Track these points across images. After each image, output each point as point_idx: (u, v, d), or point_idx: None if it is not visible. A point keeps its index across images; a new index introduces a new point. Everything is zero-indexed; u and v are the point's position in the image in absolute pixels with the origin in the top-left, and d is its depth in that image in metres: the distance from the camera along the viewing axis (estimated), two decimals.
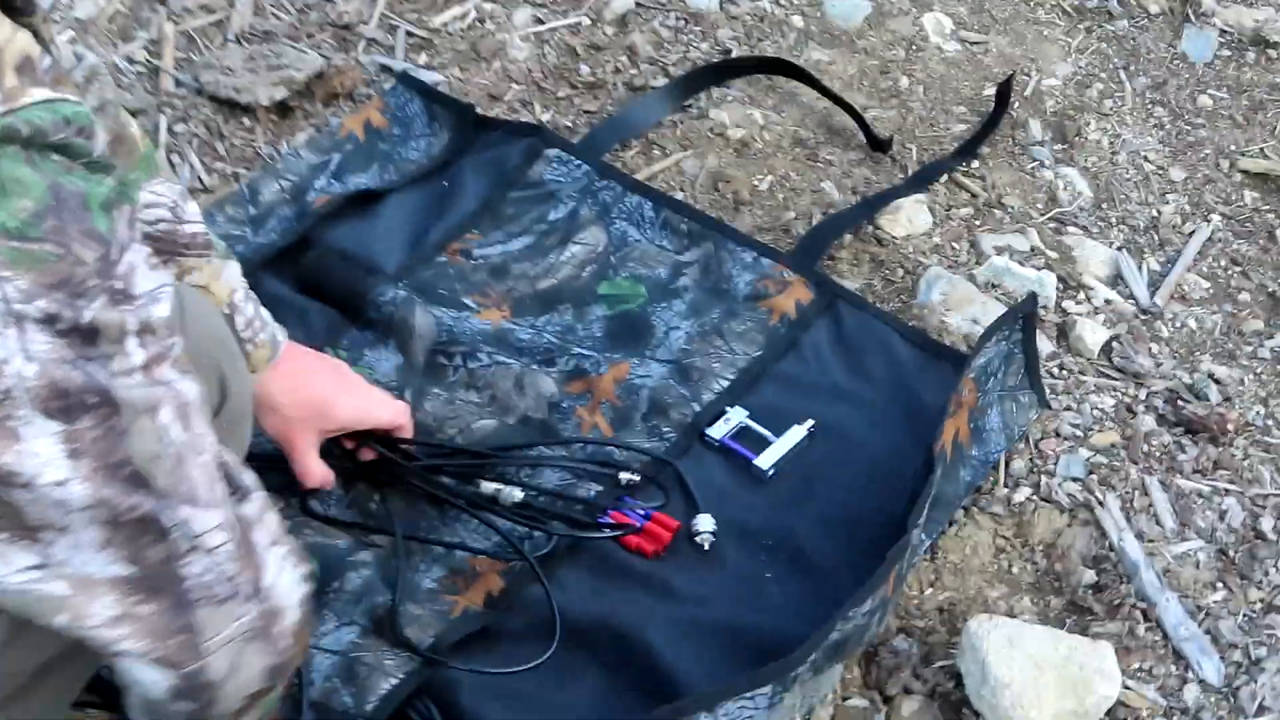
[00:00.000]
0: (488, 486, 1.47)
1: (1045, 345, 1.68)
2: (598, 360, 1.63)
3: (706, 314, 1.68)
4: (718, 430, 1.56)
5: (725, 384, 1.61)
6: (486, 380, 1.60)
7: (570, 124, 1.93)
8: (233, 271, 1.28)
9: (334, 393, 1.41)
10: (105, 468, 0.79)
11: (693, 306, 1.69)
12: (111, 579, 0.83)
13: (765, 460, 1.53)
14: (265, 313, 1.33)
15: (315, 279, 1.69)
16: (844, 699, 1.37)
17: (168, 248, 1.18)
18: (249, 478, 0.93)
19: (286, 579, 0.94)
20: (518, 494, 1.45)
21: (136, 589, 0.84)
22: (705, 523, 1.46)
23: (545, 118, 1.94)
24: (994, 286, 1.75)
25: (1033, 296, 1.62)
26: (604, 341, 1.66)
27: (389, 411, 1.45)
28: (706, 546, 1.45)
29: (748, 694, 1.24)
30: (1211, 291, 1.80)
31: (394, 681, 1.31)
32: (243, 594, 0.90)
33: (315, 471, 1.40)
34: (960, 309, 1.70)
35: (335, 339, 1.64)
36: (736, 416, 1.57)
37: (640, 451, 1.53)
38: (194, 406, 0.85)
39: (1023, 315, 1.58)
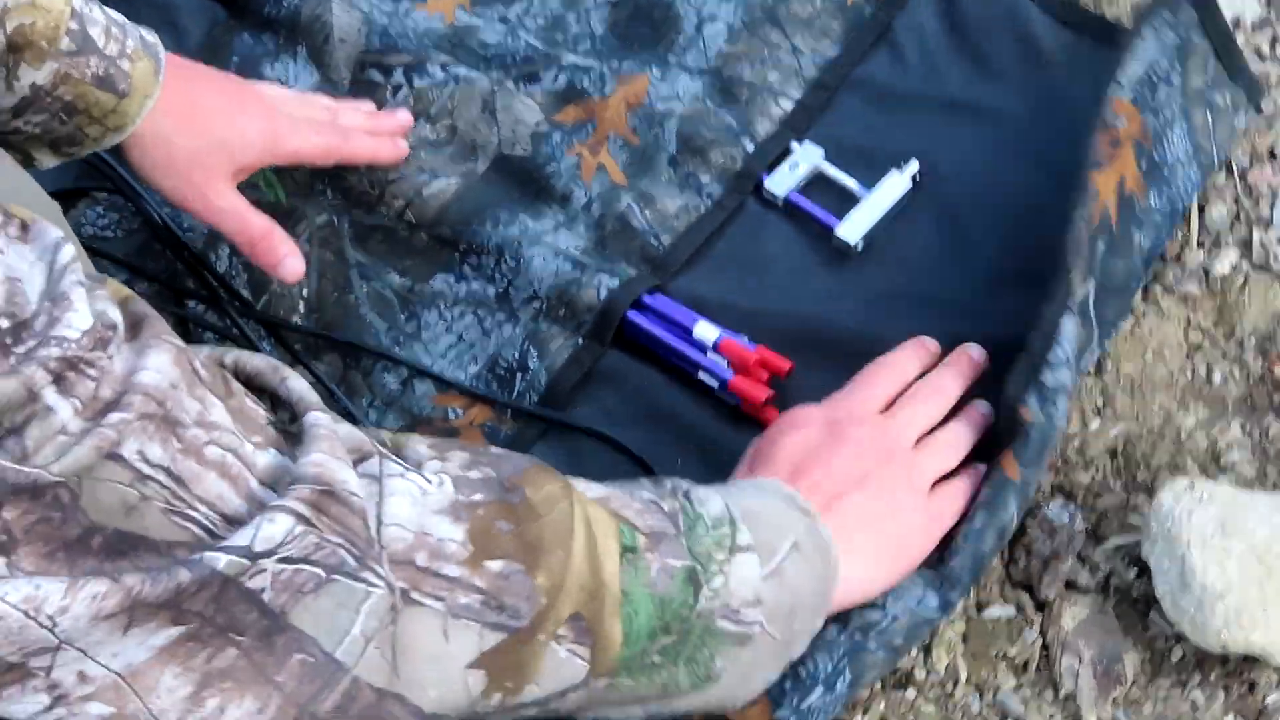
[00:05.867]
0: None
1: (1247, 7, 1.15)
2: (600, 73, 1.12)
3: None
4: (781, 181, 1.07)
5: (789, 105, 1.11)
6: (441, 105, 1.11)
7: None
8: None
9: (238, 112, 0.99)
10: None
11: None
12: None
13: (851, 228, 1.05)
14: (115, 13, 0.91)
15: None
16: (979, 608, 0.95)
17: None
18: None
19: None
20: None
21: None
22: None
23: None
24: None
25: None
26: (608, 43, 1.15)
27: (316, 135, 1.03)
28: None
29: None
30: None
31: None
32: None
33: (255, 221, 0.98)
34: None
35: (219, 49, 1.15)
36: (807, 158, 1.08)
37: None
38: (170, 387, 0.57)
39: None
